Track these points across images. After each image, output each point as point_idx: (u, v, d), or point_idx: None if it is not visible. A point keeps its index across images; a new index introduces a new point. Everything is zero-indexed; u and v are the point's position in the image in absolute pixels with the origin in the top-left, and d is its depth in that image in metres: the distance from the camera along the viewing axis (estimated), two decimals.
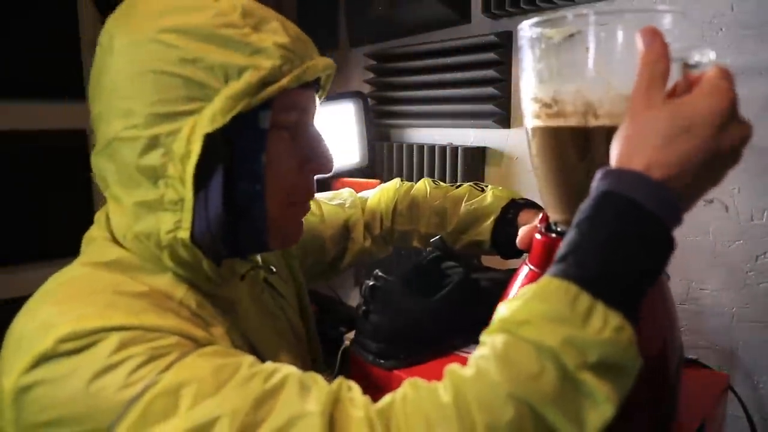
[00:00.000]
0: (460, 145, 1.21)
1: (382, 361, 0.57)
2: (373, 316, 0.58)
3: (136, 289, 0.44)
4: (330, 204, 0.75)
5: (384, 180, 1.39)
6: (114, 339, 0.38)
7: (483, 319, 0.56)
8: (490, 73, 1.12)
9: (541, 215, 0.55)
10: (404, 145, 1.34)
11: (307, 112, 0.52)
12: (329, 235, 0.73)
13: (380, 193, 0.79)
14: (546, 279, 0.36)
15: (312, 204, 0.71)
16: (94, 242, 0.50)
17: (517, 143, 1.13)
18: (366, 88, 1.45)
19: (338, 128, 1.35)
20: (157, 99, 0.44)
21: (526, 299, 0.36)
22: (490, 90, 1.13)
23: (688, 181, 0.36)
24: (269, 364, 0.40)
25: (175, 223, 0.45)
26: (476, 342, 0.49)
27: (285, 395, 0.37)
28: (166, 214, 0.45)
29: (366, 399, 0.38)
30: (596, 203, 0.36)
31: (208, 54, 0.43)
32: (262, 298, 0.58)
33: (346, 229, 0.75)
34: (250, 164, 0.46)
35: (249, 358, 0.40)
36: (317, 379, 0.39)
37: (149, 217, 0.45)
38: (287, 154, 0.49)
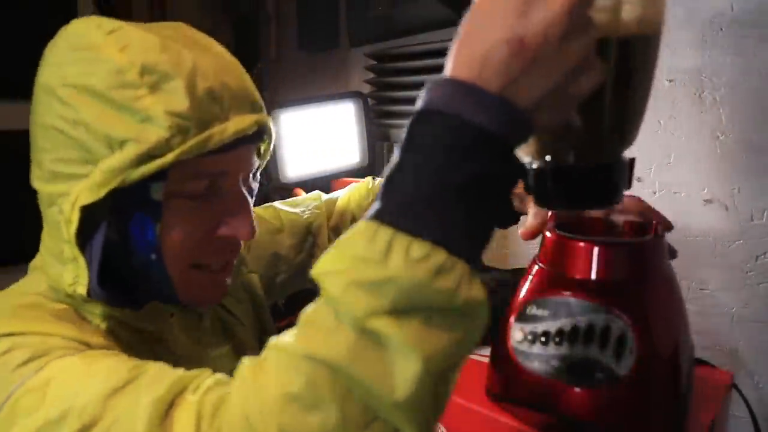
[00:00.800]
0: None
1: None
2: None
3: (54, 307, 0.46)
4: (290, 212, 0.73)
5: None
6: (3, 344, 0.40)
7: (490, 320, 0.56)
8: None
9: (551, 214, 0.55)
10: None
11: (227, 174, 0.47)
12: (289, 244, 0.71)
13: (350, 193, 0.77)
14: (357, 224, 0.31)
15: (271, 212, 0.72)
16: (36, 271, 0.51)
17: None
18: (366, 88, 1.45)
19: (338, 128, 1.35)
20: (57, 157, 0.43)
21: (332, 247, 0.31)
22: None
23: (499, 80, 0.29)
24: (153, 363, 0.39)
25: (74, 278, 0.44)
26: (483, 343, 0.49)
27: (133, 387, 0.36)
28: (67, 267, 0.44)
29: (214, 384, 0.35)
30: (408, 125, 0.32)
31: (97, 119, 0.41)
32: (201, 326, 0.56)
33: (309, 235, 0.73)
34: (143, 235, 0.45)
35: (143, 362, 0.39)
36: (192, 373, 0.37)
37: (57, 266, 0.46)
38: (190, 222, 0.46)
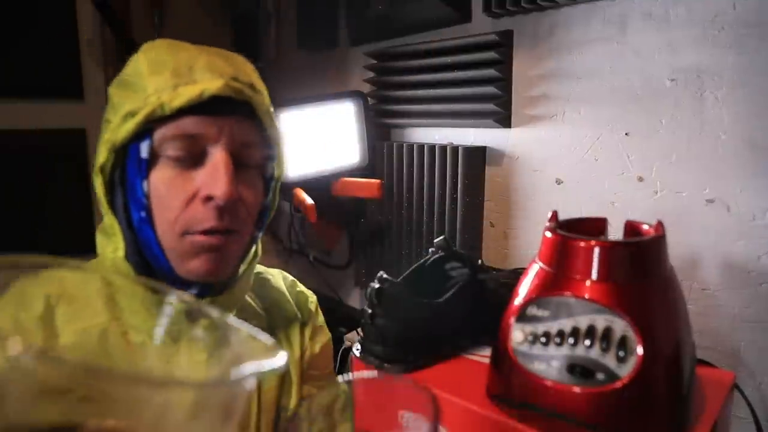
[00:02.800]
0: (461, 145, 1.20)
1: (388, 366, 0.57)
2: (379, 319, 0.57)
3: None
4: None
5: (384, 180, 1.39)
6: None
7: (489, 320, 0.56)
8: (490, 72, 1.12)
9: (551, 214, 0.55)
10: (404, 145, 1.34)
11: (206, 139, 0.51)
12: None
13: None
14: None
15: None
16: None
17: (517, 143, 1.13)
18: (366, 88, 1.45)
19: (338, 128, 1.35)
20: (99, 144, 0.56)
21: None
22: (490, 89, 1.13)
23: None
24: None
25: (114, 245, 0.52)
26: (484, 343, 0.49)
27: None
28: (111, 238, 0.53)
29: None
30: None
31: (117, 96, 0.52)
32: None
33: None
34: (134, 191, 0.51)
35: None
36: None
37: (105, 242, 0.54)
38: (172, 184, 0.51)
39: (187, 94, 0.49)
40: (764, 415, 0.81)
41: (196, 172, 0.51)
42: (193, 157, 0.51)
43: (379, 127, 1.44)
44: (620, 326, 0.45)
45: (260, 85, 0.56)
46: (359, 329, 0.61)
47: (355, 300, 1.62)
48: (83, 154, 1.63)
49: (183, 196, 0.51)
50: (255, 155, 0.55)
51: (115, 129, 0.50)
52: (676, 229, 0.87)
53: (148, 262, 0.53)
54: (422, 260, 0.64)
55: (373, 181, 1.32)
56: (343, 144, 1.35)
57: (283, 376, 0.64)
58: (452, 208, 1.22)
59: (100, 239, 0.55)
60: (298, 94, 1.64)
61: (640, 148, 0.92)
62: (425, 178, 1.28)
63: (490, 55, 1.12)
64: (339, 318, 1.54)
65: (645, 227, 0.54)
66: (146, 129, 0.50)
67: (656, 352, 0.45)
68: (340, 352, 1.34)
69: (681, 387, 0.47)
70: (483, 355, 0.60)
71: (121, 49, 1.64)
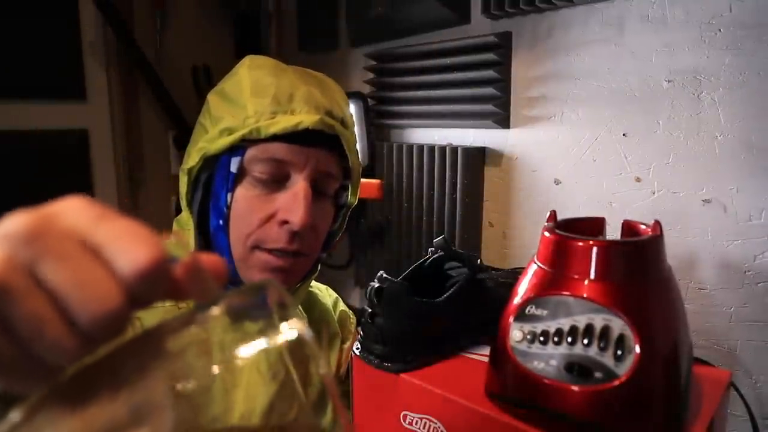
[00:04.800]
0: (460, 146, 1.21)
1: (388, 365, 0.57)
2: (379, 318, 0.58)
3: None
4: None
5: (384, 180, 1.40)
6: None
7: (489, 319, 0.56)
8: (489, 73, 1.13)
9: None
10: (404, 146, 1.34)
11: (292, 165, 0.55)
12: None
13: None
14: None
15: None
16: None
17: (516, 143, 1.13)
18: (366, 89, 1.45)
19: None
20: (191, 141, 0.59)
21: None
22: (489, 90, 1.13)
23: None
24: None
25: (188, 236, 0.56)
26: (483, 342, 0.49)
27: None
28: (186, 232, 0.57)
29: None
30: None
31: (215, 108, 0.56)
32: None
33: None
34: (217, 200, 0.55)
35: None
36: None
37: (183, 233, 0.58)
38: (253, 202, 0.54)
39: (284, 123, 0.52)
40: (760, 413, 0.81)
41: (277, 194, 0.55)
42: (276, 180, 0.55)
43: (379, 128, 1.44)
44: (618, 325, 0.46)
45: (350, 120, 0.60)
46: (359, 328, 0.61)
47: (355, 300, 1.62)
48: (86, 154, 1.63)
49: (262, 215, 0.54)
50: (333, 185, 0.59)
51: (211, 140, 0.54)
52: (674, 229, 0.88)
53: None
54: (422, 260, 0.65)
55: (373, 181, 1.32)
56: None
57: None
58: (451, 208, 1.23)
59: (174, 229, 0.60)
60: None
61: (637, 149, 0.93)
62: (425, 179, 1.29)
63: (489, 56, 1.12)
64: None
65: (642, 227, 0.55)
66: (239, 146, 0.54)
67: (654, 350, 0.45)
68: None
69: (678, 385, 0.47)
70: (482, 354, 0.60)
71: (123, 49, 1.65)
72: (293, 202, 0.54)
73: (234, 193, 0.55)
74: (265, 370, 0.24)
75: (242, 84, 0.55)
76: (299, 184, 0.55)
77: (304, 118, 0.53)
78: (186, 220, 0.58)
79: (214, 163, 0.55)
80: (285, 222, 0.54)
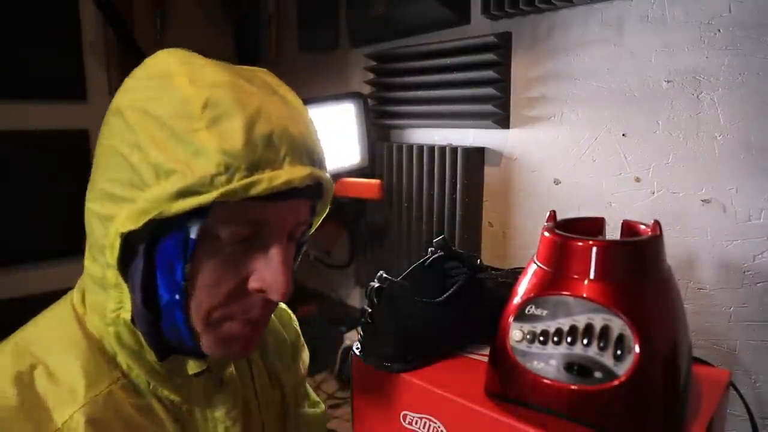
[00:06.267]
0: (460, 146, 1.21)
1: (389, 365, 0.57)
2: (379, 318, 0.58)
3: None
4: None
5: (384, 180, 1.40)
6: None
7: (488, 319, 0.57)
8: (489, 73, 1.13)
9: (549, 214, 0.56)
10: (404, 146, 1.34)
11: (271, 225, 0.44)
12: None
13: None
14: None
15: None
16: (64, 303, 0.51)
17: (516, 144, 1.13)
18: (366, 89, 1.46)
19: (338, 128, 1.35)
20: (110, 177, 0.42)
21: None
22: (489, 90, 1.14)
23: None
24: None
25: (118, 303, 0.44)
26: (483, 342, 0.49)
27: None
28: (112, 293, 0.44)
29: None
30: None
31: (152, 144, 0.40)
32: (239, 397, 0.55)
33: None
34: (171, 272, 0.42)
35: None
36: None
37: (100, 292, 0.45)
38: (219, 271, 0.43)
39: (267, 184, 0.40)
40: (759, 413, 0.81)
41: (248, 255, 0.44)
42: (247, 239, 0.44)
43: (379, 128, 1.45)
44: (618, 325, 0.46)
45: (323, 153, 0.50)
46: (359, 328, 0.61)
47: (355, 299, 1.62)
48: (86, 154, 1.63)
49: (231, 285, 0.44)
50: (303, 230, 0.49)
51: (161, 201, 0.39)
52: (673, 229, 0.88)
53: (163, 333, 0.46)
54: (422, 260, 0.65)
55: (373, 181, 1.32)
56: (343, 145, 1.36)
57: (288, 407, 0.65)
58: (451, 208, 1.23)
59: (92, 288, 0.47)
60: (298, 95, 1.65)
61: (637, 149, 0.93)
62: (425, 179, 1.29)
63: (489, 56, 1.12)
64: (339, 317, 1.55)
65: (642, 227, 0.55)
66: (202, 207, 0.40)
67: (653, 350, 0.46)
68: (341, 351, 1.35)
69: (678, 385, 0.48)
70: (482, 354, 0.60)
71: (124, 50, 1.65)
72: (273, 270, 0.44)
73: (193, 262, 0.42)
74: None
75: (189, 108, 0.40)
76: (278, 247, 0.44)
77: (292, 173, 0.42)
78: (115, 285, 0.43)
79: (163, 226, 0.41)
80: (260, 290, 0.45)
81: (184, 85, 0.41)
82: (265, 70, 0.50)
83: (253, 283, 0.45)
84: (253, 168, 0.40)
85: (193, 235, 0.41)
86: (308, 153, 0.45)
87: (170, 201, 0.39)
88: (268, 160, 0.41)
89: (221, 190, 0.39)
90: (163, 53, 0.45)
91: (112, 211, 0.42)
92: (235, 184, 0.39)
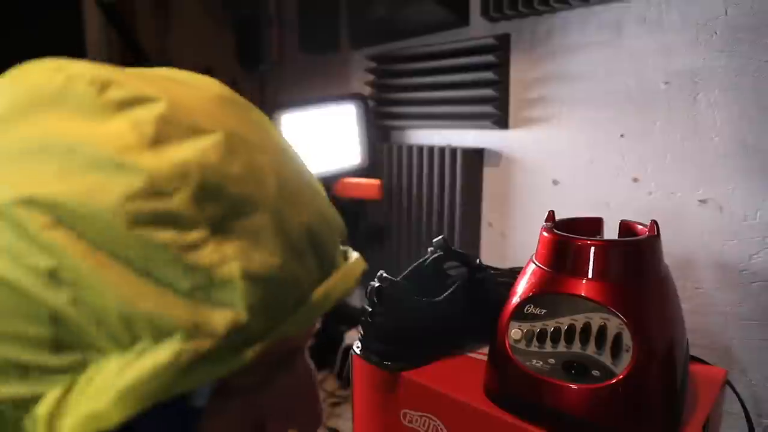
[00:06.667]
0: (459, 146, 1.22)
1: (388, 364, 0.58)
2: (379, 318, 0.58)
3: None
4: None
5: (384, 180, 1.40)
6: None
7: (487, 319, 0.57)
8: (488, 75, 1.13)
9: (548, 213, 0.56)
10: (404, 146, 1.35)
11: (299, 350, 0.31)
12: None
13: None
14: None
15: None
16: None
17: (515, 144, 1.14)
18: (366, 90, 1.46)
19: (339, 129, 1.36)
20: (6, 330, 0.21)
21: None
22: (488, 92, 1.14)
23: None
24: None
25: None
26: (482, 341, 0.49)
27: None
28: None
29: None
30: None
31: (104, 282, 0.20)
32: None
33: None
34: None
35: None
36: None
37: None
38: (238, 421, 0.28)
39: (326, 304, 0.26)
40: (755, 411, 0.82)
41: (261, 398, 0.28)
42: (264, 381, 0.28)
43: (379, 129, 1.45)
44: (615, 324, 0.46)
45: None
46: (359, 327, 0.62)
47: (355, 299, 1.63)
48: None
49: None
50: None
51: (142, 383, 0.21)
52: (670, 229, 0.89)
53: None
54: (421, 259, 0.65)
55: (372, 181, 1.33)
56: (344, 145, 1.36)
57: None
58: (451, 209, 1.24)
59: None
60: (300, 96, 1.66)
61: (634, 150, 0.94)
62: (424, 179, 1.30)
63: (488, 58, 1.13)
64: (339, 316, 1.55)
65: (639, 227, 0.55)
66: None
67: (650, 349, 0.46)
68: (341, 350, 1.36)
69: (674, 383, 0.48)
70: (481, 353, 0.61)
71: (127, 52, 1.65)
72: (304, 399, 0.30)
73: (201, 426, 0.26)
74: None
75: (167, 203, 0.21)
76: (304, 362, 0.31)
77: (344, 286, 0.28)
78: None
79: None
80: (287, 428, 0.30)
81: (139, 155, 0.21)
82: (207, 78, 0.29)
83: (274, 426, 0.29)
84: (304, 293, 0.25)
85: (200, 402, 0.25)
86: (338, 223, 0.31)
87: (168, 378, 0.21)
88: (314, 274, 0.26)
89: (258, 347, 0.23)
90: (42, 71, 0.25)
91: (19, 390, 0.21)
92: (283, 329, 0.24)
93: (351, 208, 1.51)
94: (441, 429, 0.54)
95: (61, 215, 0.20)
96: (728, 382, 0.60)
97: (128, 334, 0.21)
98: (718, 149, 0.83)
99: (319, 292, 0.26)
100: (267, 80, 1.75)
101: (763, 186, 0.79)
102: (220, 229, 0.22)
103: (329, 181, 1.35)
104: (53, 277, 0.20)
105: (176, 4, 1.79)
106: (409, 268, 0.64)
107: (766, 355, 0.81)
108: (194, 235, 0.22)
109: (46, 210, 0.20)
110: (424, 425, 0.55)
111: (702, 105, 0.85)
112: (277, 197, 0.25)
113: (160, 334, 0.21)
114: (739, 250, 0.82)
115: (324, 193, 0.31)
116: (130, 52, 1.64)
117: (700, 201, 0.86)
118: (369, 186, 1.33)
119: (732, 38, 0.81)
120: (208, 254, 0.22)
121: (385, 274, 0.59)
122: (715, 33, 0.82)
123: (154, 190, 0.21)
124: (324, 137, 1.33)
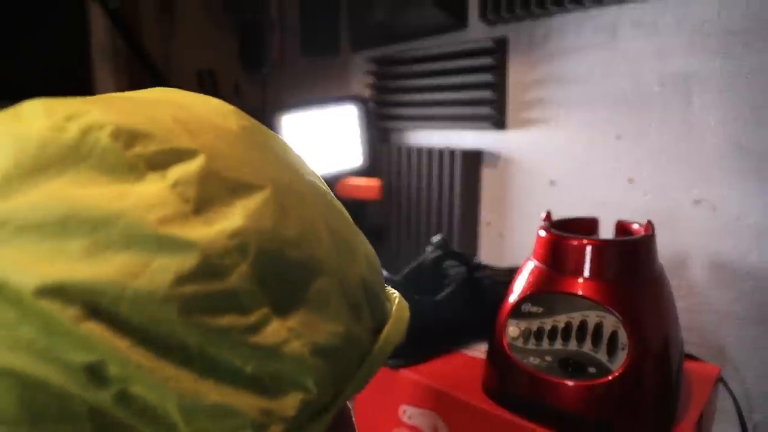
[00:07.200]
0: (458, 148, 1.23)
1: (388, 360, 0.59)
2: None
3: None
4: None
5: (384, 181, 1.41)
6: None
7: (486, 317, 0.58)
8: (486, 77, 1.15)
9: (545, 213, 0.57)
10: (404, 148, 1.36)
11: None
12: None
13: None
14: None
15: None
16: None
17: (512, 145, 1.15)
18: (367, 92, 1.47)
19: (340, 131, 1.37)
20: None
21: None
22: (486, 94, 1.15)
23: None
24: None
25: None
26: (479, 339, 0.50)
27: None
28: None
29: None
30: None
31: (152, 366, 0.18)
32: None
33: None
34: None
35: None
36: None
37: None
38: None
39: (382, 359, 0.24)
40: (748, 408, 0.83)
41: None
42: None
43: (379, 131, 1.46)
44: (611, 322, 0.47)
45: None
46: None
47: None
48: None
49: None
50: None
51: None
52: (665, 229, 0.90)
53: None
54: (421, 259, 0.66)
55: (373, 182, 1.34)
56: (344, 147, 1.37)
57: None
58: (450, 209, 1.25)
59: None
60: (301, 98, 1.67)
61: (630, 151, 0.95)
62: (424, 180, 1.31)
63: (486, 60, 1.14)
64: None
65: (635, 227, 0.57)
66: None
67: (646, 347, 0.47)
68: None
69: (669, 380, 0.49)
70: (479, 351, 0.62)
71: (132, 56, 1.66)
72: None
73: None
74: None
75: (217, 260, 0.18)
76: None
77: (401, 315, 0.28)
78: None
79: None
80: None
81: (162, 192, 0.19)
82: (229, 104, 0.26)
83: None
84: (364, 350, 0.23)
85: None
86: (378, 262, 0.29)
87: None
88: (371, 317, 0.25)
89: (327, 418, 0.21)
90: (41, 117, 0.22)
91: None
92: (349, 392, 0.22)
93: (351, 209, 1.52)
94: (440, 425, 0.55)
95: (97, 305, 0.17)
96: (722, 380, 0.61)
97: (190, 430, 0.18)
98: (712, 150, 0.85)
99: (378, 345, 0.24)
100: (269, 82, 1.76)
101: (757, 186, 0.81)
102: (283, 302, 0.20)
103: (330, 182, 1.36)
104: (93, 373, 0.17)
105: (180, 8, 1.80)
106: (409, 267, 0.65)
107: (758, 354, 0.82)
108: (256, 315, 0.19)
109: (78, 299, 0.17)
110: (423, 421, 0.56)
111: (696, 107, 0.86)
112: (336, 254, 0.22)
113: (228, 427, 0.18)
114: (733, 250, 0.83)
115: (358, 229, 0.28)
116: (135, 56, 1.65)
117: (695, 201, 0.87)
118: (369, 186, 1.33)
119: (726, 41, 0.82)
120: (272, 333, 0.19)
121: (384, 273, 0.59)
122: (709, 36, 0.83)
123: (210, 269, 0.18)
124: (325, 138, 1.34)
